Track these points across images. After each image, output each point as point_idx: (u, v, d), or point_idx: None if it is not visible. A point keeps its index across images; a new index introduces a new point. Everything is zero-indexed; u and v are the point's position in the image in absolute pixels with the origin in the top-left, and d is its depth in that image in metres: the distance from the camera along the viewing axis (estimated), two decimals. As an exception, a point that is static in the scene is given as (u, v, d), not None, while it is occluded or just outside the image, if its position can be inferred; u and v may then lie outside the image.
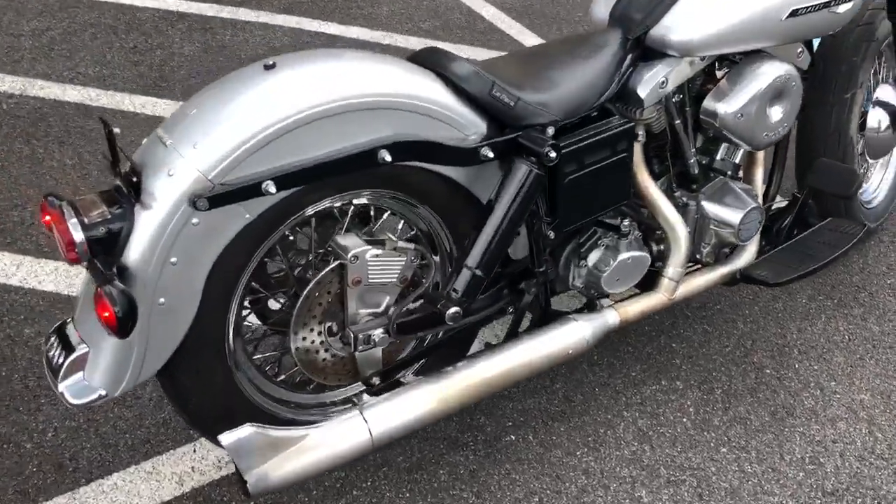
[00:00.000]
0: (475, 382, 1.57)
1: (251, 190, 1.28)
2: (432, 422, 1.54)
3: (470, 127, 1.48)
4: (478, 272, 1.50)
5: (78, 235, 1.24)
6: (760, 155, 1.98)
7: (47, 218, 1.32)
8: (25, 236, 2.23)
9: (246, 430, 1.35)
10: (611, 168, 1.62)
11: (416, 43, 3.33)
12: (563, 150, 1.51)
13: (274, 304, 1.58)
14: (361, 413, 1.46)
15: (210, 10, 3.42)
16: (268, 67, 1.35)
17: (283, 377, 1.62)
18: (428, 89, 1.43)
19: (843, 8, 1.77)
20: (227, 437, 1.34)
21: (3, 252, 2.16)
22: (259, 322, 1.59)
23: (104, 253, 1.26)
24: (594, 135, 1.57)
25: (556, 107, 1.55)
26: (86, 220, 1.25)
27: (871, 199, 2.48)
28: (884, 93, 2.32)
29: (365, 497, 1.67)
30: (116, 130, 1.25)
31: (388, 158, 1.38)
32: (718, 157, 1.93)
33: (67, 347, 1.34)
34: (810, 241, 2.00)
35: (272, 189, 1.29)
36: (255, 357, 1.57)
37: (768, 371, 2.05)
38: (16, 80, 2.84)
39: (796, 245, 1.99)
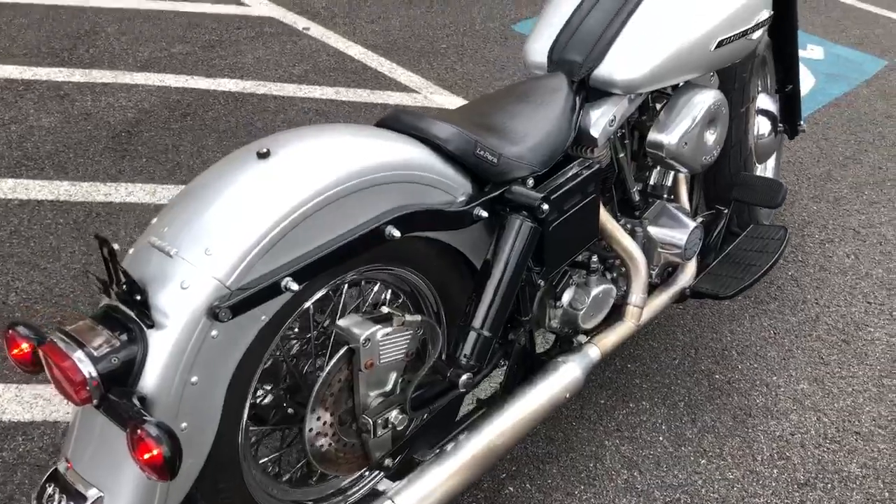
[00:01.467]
0: (492, 445, 1.54)
1: (272, 290, 1.19)
2: (460, 493, 1.49)
3: (459, 189, 1.45)
4: (486, 333, 1.47)
5: (89, 371, 1.09)
6: (682, 175, 2.09)
7: (23, 349, 1.16)
8: (-85, 360, 1.94)
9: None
10: (584, 209, 1.64)
11: (292, 90, 3.23)
12: (551, 200, 1.52)
13: (270, 403, 1.47)
14: (394, 502, 1.39)
15: (59, 74, 3.14)
16: (261, 155, 1.26)
17: (287, 476, 1.52)
18: (419, 157, 1.39)
19: (756, 34, 1.91)
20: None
21: None
22: (259, 426, 1.47)
23: (117, 386, 1.12)
24: (570, 180, 1.59)
25: (533, 158, 1.55)
26: (94, 352, 1.10)
27: (759, 200, 2.69)
28: (763, 102, 2.53)
29: (385, 582, 1.59)
30: (116, 247, 1.11)
31: (396, 234, 1.32)
32: (652, 181, 2.02)
33: (73, 495, 1.17)
34: (742, 250, 2.14)
35: (293, 285, 1.20)
36: (261, 461, 1.45)
37: (717, 376, 2.17)
38: None
39: (732, 256, 2.12)
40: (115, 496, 1.17)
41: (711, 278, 2.05)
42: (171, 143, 2.80)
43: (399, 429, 1.47)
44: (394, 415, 1.45)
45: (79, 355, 1.10)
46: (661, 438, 1.97)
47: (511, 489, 1.81)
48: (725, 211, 2.16)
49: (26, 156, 2.67)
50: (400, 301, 1.57)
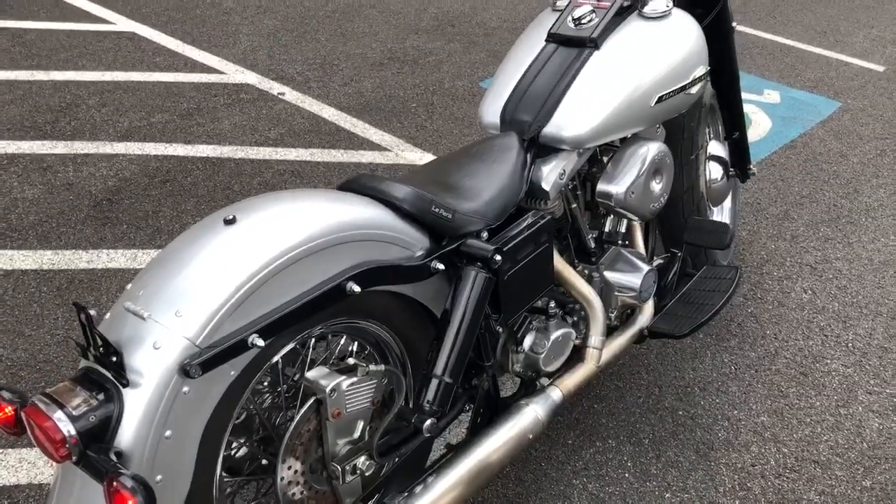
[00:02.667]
0: (458, 488, 1.62)
1: (239, 346, 1.28)
2: (427, 535, 1.56)
3: (416, 244, 1.56)
4: (447, 380, 1.56)
5: (68, 429, 1.17)
6: (636, 222, 2.21)
7: (7, 412, 1.24)
8: None
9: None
10: (538, 258, 1.75)
11: (268, 153, 3.35)
12: (504, 250, 1.63)
13: (243, 454, 1.55)
14: (364, 544, 1.46)
15: (41, 147, 3.25)
16: (228, 222, 1.36)
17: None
18: (376, 217, 1.50)
19: (694, 89, 2.04)
20: None
21: None
22: (233, 476, 1.54)
23: (95, 442, 1.20)
24: (522, 232, 1.70)
25: (486, 212, 1.66)
26: (72, 412, 1.18)
27: (718, 241, 2.81)
28: (714, 148, 2.66)
29: None
30: (93, 312, 1.21)
31: (357, 289, 1.42)
32: (607, 229, 2.13)
33: (54, 549, 1.25)
34: (696, 290, 2.25)
35: (259, 342, 1.29)
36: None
37: (681, 413, 2.26)
38: None
39: (686, 296, 2.23)
40: (95, 549, 1.24)
41: (668, 318, 2.15)
42: (151, 209, 2.90)
43: (367, 474, 1.54)
44: (361, 461, 1.53)
45: (58, 415, 1.18)
46: (626, 475, 2.05)
47: (482, 530, 1.88)
48: (679, 254, 2.27)
49: (10, 227, 2.76)
50: (366, 352, 1.66)
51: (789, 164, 3.64)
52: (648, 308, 2.15)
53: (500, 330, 1.72)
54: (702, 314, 2.12)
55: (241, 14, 4.85)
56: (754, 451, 2.14)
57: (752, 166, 2.73)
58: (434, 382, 1.56)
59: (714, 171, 2.64)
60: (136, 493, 1.13)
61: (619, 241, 2.12)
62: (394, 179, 1.58)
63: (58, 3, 4.78)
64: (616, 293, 2.06)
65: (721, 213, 2.89)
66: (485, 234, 1.66)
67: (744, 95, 4.29)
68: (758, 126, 4.00)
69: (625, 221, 2.15)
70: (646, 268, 2.05)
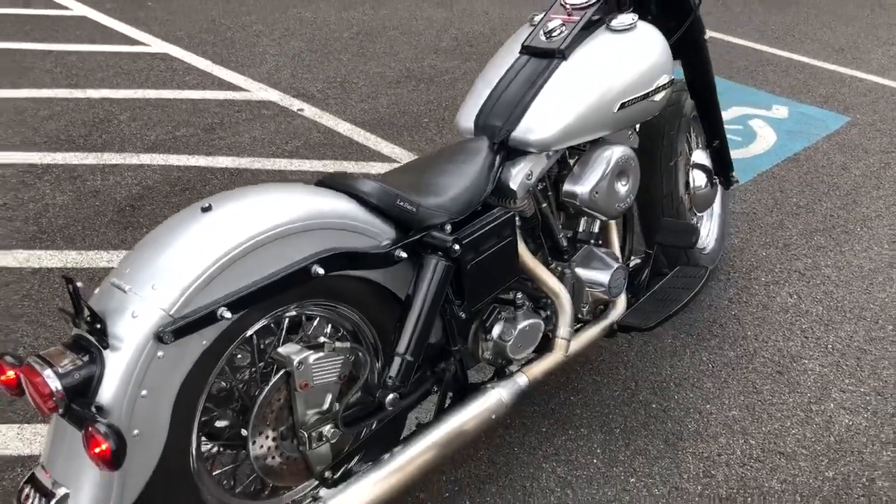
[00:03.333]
0: (419, 460, 1.76)
1: (208, 318, 1.44)
2: (386, 500, 1.70)
3: (382, 234, 1.71)
4: (408, 357, 1.71)
5: (55, 385, 1.34)
6: (613, 223, 2.33)
7: (9, 375, 1.42)
8: (-66, 406, 2.21)
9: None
10: (501, 251, 1.89)
11: (283, 164, 3.55)
12: (464, 242, 1.77)
13: (223, 421, 1.71)
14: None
15: (74, 158, 3.50)
16: (204, 210, 1.53)
17: (240, 489, 1.74)
18: (343, 208, 1.66)
19: (658, 96, 2.17)
20: (213, 547, 1.45)
21: (-85, 425, 2.14)
22: (212, 441, 1.70)
23: (79, 397, 1.37)
24: (484, 226, 1.84)
25: (450, 207, 1.81)
26: (59, 370, 1.36)
27: (705, 246, 2.91)
28: (698, 157, 2.78)
29: (332, 587, 1.79)
30: (80, 284, 1.38)
31: (321, 271, 1.58)
32: (580, 229, 2.26)
33: (45, 494, 1.41)
34: (667, 288, 2.36)
35: (227, 314, 1.45)
36: (214, 473, 1.68)
37: (654, 405, 2.36)
38: None
39: (656, 293, 2.34)
40: (79, 492, 1.40)
41: (637, 313, 2.26)
42: (170, 215, 3.11)
43: (333, 442, 1.69)
44: (327, 429, 1.68)
45: (48, 373, 1.35)
46: (595, 461, 2.16)
47: (452, 506, 2.01)
48: (651, 253, 2.39)
49: (41, 230, 2.99)
50: (340, 334, 1.81)
51: (789, 177, 3.72)
52: (620, 304, 2.27)
53: (464, 316, 1.86)
54: (669, 309, 2.24)
55: (269, 36, 5.10)
56: (722, 441, 2.24)
57: (733, 174, 2.83)
58: (397, 360, 1.71)
59: (698, 179, 2.75)
60: (108, 437, 1.29)
61: (592, 241, 2.25)
62: (365, 177, 1.74)
63: (98, 28, 5.08)
64: (587, 289, 2.19)
65: (710, 221, 2.99)
66: (448, 227, 1.80)
67: (752, 111, 4.40)
68: (762, 140, 4.08)
69: (597, 222, 2.28)
70: (615, 265, 2.18)
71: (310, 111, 4.07)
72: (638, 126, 2.40)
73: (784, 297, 2.86)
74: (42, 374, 1.35)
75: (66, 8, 5.41)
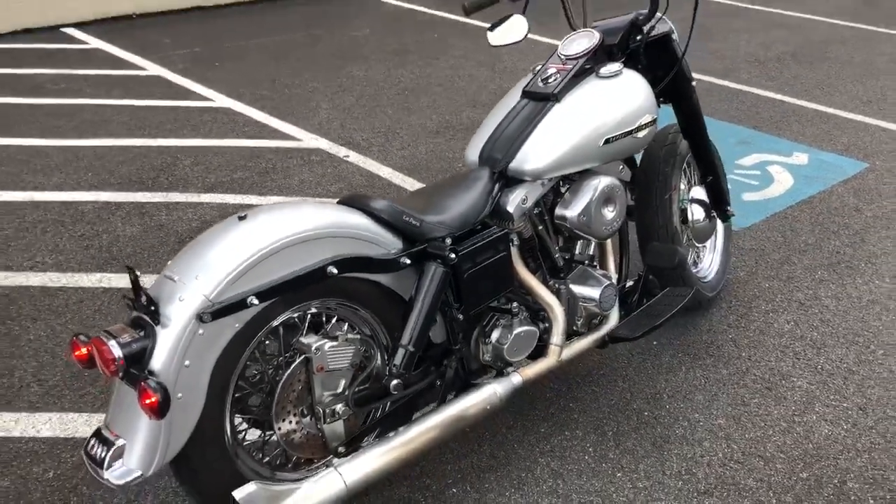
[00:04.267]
0: (420, 439, 2.04)
1: (240, 304, 1.77)
2: (389, 471, 1.98)
3: (390, 244, 2.03)
4: (410, 348, 2.01)
5: (117, 353, 1.68)
6: (609, 247, 2.61)
7: (82, 351, 1.76)
8: (17, 397, 2.58)
9: (253, 486, 1.78)
10: (496, 263, 2.19)
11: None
12: (460, 253, 2.08)
13: (253, 400, 2.02)
14: (336, 469, 1.90)
15: (143, 197, 3.94)
16: (241, 218, 1.87)
17: (267, 459, 2.04)
18: (356, 221, 1.98)
19: (641, 133, 2.46)
20: (239, 493, 1.76)
21: (2, 412, 2.51)
22: (243, 417, 2.01)
23: (135, 364, 1.70)
24: (480, 241, 2.15)
25: (450, 224, 2.12)
26: (121, 342, 1.70)
27: (707, 276, 3.15)
28: (696, 193, 3.04)
29: (343, 551, 2.06)
30: (139, 274, 1.73)
31: (335, 271, 1.90)
32: (577, 251, 2.54)
33: (107, 444, 1.74)
34: (655, 305, 2.61)
35: (255, 301, 1.78)
36: (245, 444, 1.99)
37: (646, 413, 2.59)
38: (-18, 274, 3.25)
39: (646, 310, 2.60)
40: (133, 442, 1.73)
41: (626, 326, 2.52)
42: (225, 245, 3.50)
43: (345, 419, 1.99)
44: (339, 407, 1.98)
45: (112, 343, 1.69)
46: (586, 457, 2.40)
47: (454, 490, 2.27)
48: (641, 274, 2.65)
49: (112, 257, 3.40)
50: (356, 331, 2.12)
51: (801, 217, 3.93)
52: (612, 318, 2.53)
53: (462, 318, 2.15)
54: (654, 321, 2.49)
55: (322, 92, 5.56)
56: (706, 445, 2.45)
57: (729, 208, 3.07)
58: (400, 351, 2.01)
59: (697, 213, 3.01)
60: (156, 391, 1.63)
61: (587, 262, 2.53)
62: (378, 196, 2.07)
63: (170, 85, 5.62)
64: (580, 303, 2.46)
65: (713, 253, 3.24)
66: (448, 241, 2.11)
67: (772, 157, 4.63)
68: (779, 184, 4.30)
69: (592, 245, 2.56)
70: (605, 283, 2.45)
71: (355, 157, 4.46)
72: (637, 161, 2.69)
73: (781, 324, 3.07)
74: (108, 343, 1.69)
75: (142, 69, 5.99)
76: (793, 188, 4.26)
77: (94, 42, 6.65)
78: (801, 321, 3.09)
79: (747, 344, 2.94)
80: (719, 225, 3.23)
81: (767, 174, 4.42)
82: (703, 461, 2.39)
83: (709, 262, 3.20)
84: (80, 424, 2.47)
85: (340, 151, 4.55)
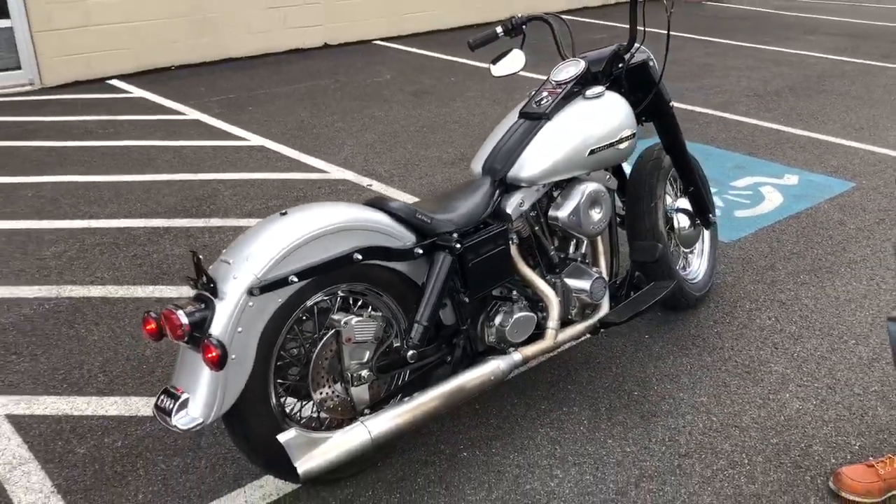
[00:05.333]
0: (433, 403, 2.39)
1: (282, 281, 2.16)
2: (408, 428, 2.34)
3: (405, 238, 2.41)
4: (424, 323, 2.38)
5: (184, 320, 2.07)
6: (601, 248, 2.97)
7: (152, 326, 2.15)
8: (88, 385, 2.98)
9: (293, 432, 2.15)
10: (496, 255, 2.56)
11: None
12: (465, 245, 2.46)
13: (293, 368, 2.39)
14: (363, 423, 2.26)
15: (188, 223, 4.37)
16: (282, 214, 2.27)
17: (304, 420, 2.40)
18: (377, 217, 2.37)
19: (622, 145, 2.85)
20: (283, 436, 2.13)
21: (75, 396, 2.90)
22: (285, 382, 2.38)
23: (198, 330, 2.09)
24: (482, 235, 2.53)
25: (456, 221, 2.51)
26: (186, 312, 2.09)
27: (695, 278, 3.50)
28: (682, 203, 3.40)
29: (368, 500, 2.41)
30: (200, 256, 2.12)
31: (360, 257, 2.28)
32: (571, 250, 2.91)
33: (173, 397, 2.12)
34: (641, 296, 2.96)
35: (294, 279, 2.17)
36: (286, 404, 2.36)
37: (636, 393, 2.92)
38: (51, 288, 3.67)
39: (632, 300, 2.95)
40: (195, 395, 2.10)
41: (615, 313, 2.87)
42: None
43: (368, 384, 2.35)
44: (364, 373, 2.34)
45: (179, 313, 2.08)
46: (581, 428, 2.73)
47: (465, 454, 2.61)
48: (629, 271, 3.02)
49: (163, 272, 3.82)
50: (378, 311, 2.48)
51: (788, 230, 4.26)
52: (603, 308, 2.88)
53: (468, 301, 2.52)
54: (636, 308, 2.84)
55: (347, 131, 6.02)
56: (688, 418, 2.78)
57: (711, 216, 3.43)
58: (416, 326, 2.38)
59: (682, 221, 3.37)
60: (217, 347, 2.01)
61: (579, 259, 2.89)
62: (396, 199, 2.46)
63: (208, 128, 6.12)
64: (573, 294, 2.82)
65: (701, 258, 3.58)
66: (455, 235, 2.49)
67: (764, 179, 4.98)
68: (769, 202, 4.64)
69: (584, 245, 2.92)
70: (595, 276, 2.81)
71: (377, 186, 4.88)
72: (627, 174, 3.07)
73: (763, 320, 3.39)
74: (176, 313, 2.08)
75: (182, 114, 6.50)
76: (782, 205, 4.60)
77: (136, 91, 7.20)
78: (782, 317, 3.41)
79: (730, 336, 3.27)
80: (705, 232, 3.59)
81: (759, 194, 4.77)
82: (685, 430, 2.71)
83: (696, 265, 3.55)
84: (141, 406, 2.85)
85: (364, 181, 4.97)
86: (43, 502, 2.42)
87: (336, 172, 5.14)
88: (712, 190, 4.79)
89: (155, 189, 4.88)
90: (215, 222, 4.37)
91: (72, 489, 2.47)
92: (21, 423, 2.77)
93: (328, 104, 6.76)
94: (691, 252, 3.55)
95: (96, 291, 3.66)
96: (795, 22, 10.62)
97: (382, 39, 9.45)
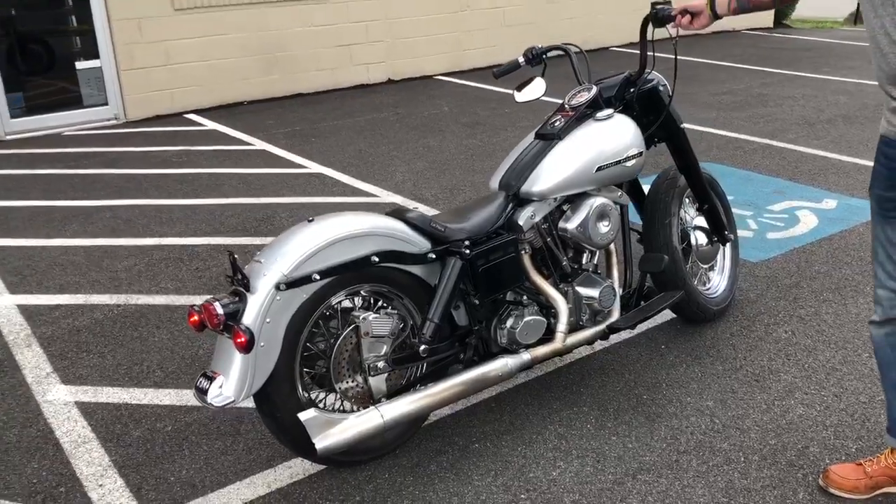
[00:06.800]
0: (444, 393, 2.64)
1: (307, 278, 2.44)
2: (419, 415, 2.59)
3: (420, 244, 2.68)
4: (436, 321, 2.63)
5: (220, 311, 2.37)
6: (614, 260, 3.17)
7: (195, 318, 2.46)
8: (146, 379, 3.32)
9: (313, 412, 2.42)
10: (506, 262, 2.80)
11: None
12: (475, 251, 2.71)
13: (318, 361, 2.66)
14: (377, 408, 2.52)
15: (246, 241, 4.75)
16: (309, 221, 2.57)
17: (327, 408, 2.67)
18: (395, 225, 2.64)
19: (630, 163, 3.06)
20: (303, 415, 2.40)
21: (134, 388, 3.25)
22: (311, 371, 2.66)
23: (232, 320, 2.39)
24: (492, 243, 2.78)
25: (468, 230, 2.76)
26: (223, 304, 2.39)
27: (714, 293, 3.65)
28: (699, 221, 3.58)
29: (386, 483, 2.65)
30: (236, 256, 2.43)
31: (377, 260, 2.56)
32: (583, 261, 3.12)
33: (209, 379, 2.42)
34: (650, 304, 3.14)
35: (318, 277, 2.45)
36: (310, 392, 2.63)
37: (645, 397, 3.09)
38: (120, 297, 4.07)
39: (641, 308, 3.13)
40: (228, 377, 2.39)
41: (623, 319, 3.05)
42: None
43: (385, 375, 2.61)
44: (381, 364, 2.60)
45: (216, 304, 2.38)
46: (588, 426, 2.92)
47: (476, 446, 2.83)
48: (638, 278, 3.21)
49: (220, 284, 4.17)
50: (394, 309, 2.74)
51: (819, 251, 4.35)
52: (614, 315, 3.08)
53: (478, 303, 2.76)
54: (643, 315, 3.02)
55: (401, 159, 6.36)
56: (692, 420, 2.93)
57: (727, 232, 3.58)
58: (428, 323, 2.63)
59: (700, 238, 3.55)
60: (246, 332, 2.31)
61: (590, 269, 3.10)
62: (414, 210, 2.74)
63: (273, 157, 6.55)
64: (584, 301, 3.02)
65: (721, 274, 3.73)
66: (467, 242, 2.74)
67: (802, 203, 5.07)
68: (803, 224, 4.73)
69: (597, 255, 3.13)
70: (604, 284, 3.01)
71: (422, 208, 5.17)
72: (642, 196, 3.27)
73: (779, 333, 3.51)
74: (213, 305, 2.39)
75: (250, 144, 6.96)
76: (816, 228, 4.68)
77: (210, 124, 7.73)
78: (799, 331, 3.52)
79: (745, 347, 3.40)
80: (727, 249, 3.73)
81: (794, 217, 4.86)
82: (687, 430, 2.87)
83: (716, 281, 3.70)
84: (191, 397, 3.17)
85: (411, 204, 5.27)
86: (101, 474, 2.74)
87: (386, 196, 5.46)
88: (748, 213, 4.93)
89: (219, 211, 5.29)
90: (270, 240, 4.73)
91: (126, 465, 2.79)
92: (87, 409, 3.12)
93: (386, 135, 7.13)
94: (711, 268, 3.71)
95: (160, 300, 4.03)
96: (858, 52, 10.55)
97: (443, 74, 9.84)
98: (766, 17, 12.97)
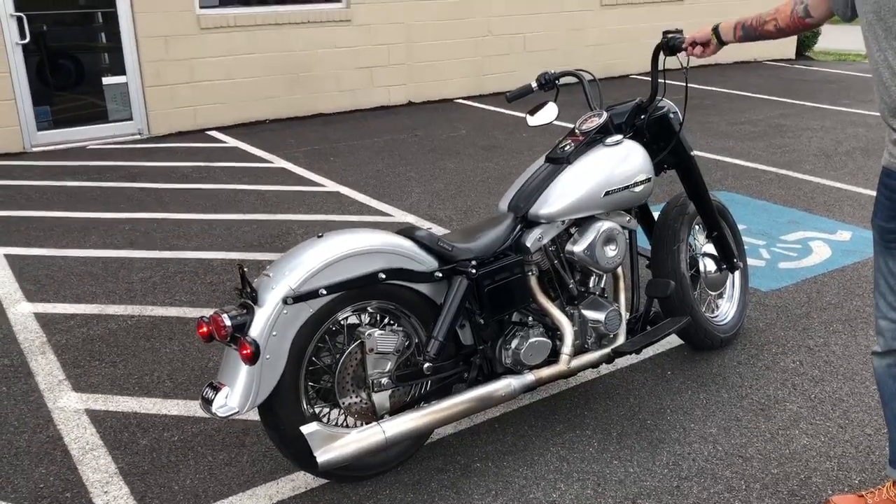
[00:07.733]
0: (446, 411, 2.66)
1: (313, 293, 2.49)
2: (420, 433, 2.61)
3: (428, 263, 2.71)
4: (440, 339, 2.65)
5: (228, 322, 2.41)
6: (622, 284, 3.19)
7: (204, 329, 2.51)
8: (156, 389, 3.37)
9: (315, 425, 2.45)
10: (511, 282, 2.83)
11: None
12: (481, 271, 2.74)
13: (324, 376, 2.70)
14: (380, 424, 2.55)
15: (261, 255, 4.81)
16: (319, 237, 2.61)
17: (331, 423, 2.70)
18: (403, 243, 2.68)
19: (638, 188, 3.08)
20: (305, 428, 2.43)
21: (143, 397, 3.30)
22: (315, 385, 2.69)
23: (239, 331, 2.43)
24: (499, 264, 2.81)
25: (476, 250, 2.79)
26: (230, 316, 2.43)
27: (723, 321, 3.65)
28: (708, 248, 3.59)
29: (387, 499, 2.67)
30: (245, 269, 2.48)
31: (384, 276, 2.60)
32: (591, 284, 3.14)
33: (215, 389, 2.46)
34: (655, 329, 3.15)
35: (324, 292, 2.49)
36: (315, 407, 2.66)
37: (649, 422, 3.09)
38: (135, 307, 4.14)
39: (647, 333, 3.14)
40: (233, 388, 2.43)
41: (629, 344, 3.07)
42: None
43: (388, 391, 2.63)
44: (384, 380, 2.63)
45: (224, 316, 2.43)
46: (590, 449, 2.93)
47: (478, 465, 2.84)
48: (644, 303, 3.22)
49: (233, 297, 4.23)
50: (400, 327, 2.78)
51: (830, 282, 4.34)
52: (619, 339, 3.09)
53: (483, 323, 2.79)
54: (648, 339, 3.03)
55: (417, 180, 6.42)
56: (695, 447, 2.93)
57: (736, 260, 3.59)
58: (433, 342, 2.66)
59: (709, 265, 3.56)
60: (251, 344, 2.35)
61: (597, 293, 3.12)
62: (423, 229, 2.78)
63: (291, 175, 6.63)
64: (589, 324, 3.04)
65: (730, 302, 3.74)
66: (474, 262, 2.78)
67: (816, 234, 5.06)
68: (816, 255, 4.72)
69: (604, 279, 3.15)
70: (610, 308, 3.03)
71: (436, 229, 5.22)
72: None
73: (787, 363, 3.51)
74: (221, 316, 2.43)
75: (270, 162, 7.06)
76: (829, 259, 4.67)
77: (231, 142, 7.84)
78: (807, 361, 3.51)
79: (751, 376, 3.40)
80: (737, 277, 3.74)
81: (808, 247, 4.86)
82: (690, 457, 2.87)
83: (725, 308, 3.70)
84: (198, 408, 3.22)
85: (425, 224, 5.32)
86: (107, 481, 2.79)
87: (400, 216, 5.52)
88: (761, 242, 4.93)
89: (236, 226, 5.36)
90: (274, 256, 4.78)
91: (132, 472, 2.83)
92: (96, 417, 3.17)
93: (404, 156, 7.20)
94: (720, 296, 3.71)
95: (173, 311, 4.09)
96: (880, 85, 10.52)
97: (463, 98, 9.93)
98: (788, 49, 12.99)
